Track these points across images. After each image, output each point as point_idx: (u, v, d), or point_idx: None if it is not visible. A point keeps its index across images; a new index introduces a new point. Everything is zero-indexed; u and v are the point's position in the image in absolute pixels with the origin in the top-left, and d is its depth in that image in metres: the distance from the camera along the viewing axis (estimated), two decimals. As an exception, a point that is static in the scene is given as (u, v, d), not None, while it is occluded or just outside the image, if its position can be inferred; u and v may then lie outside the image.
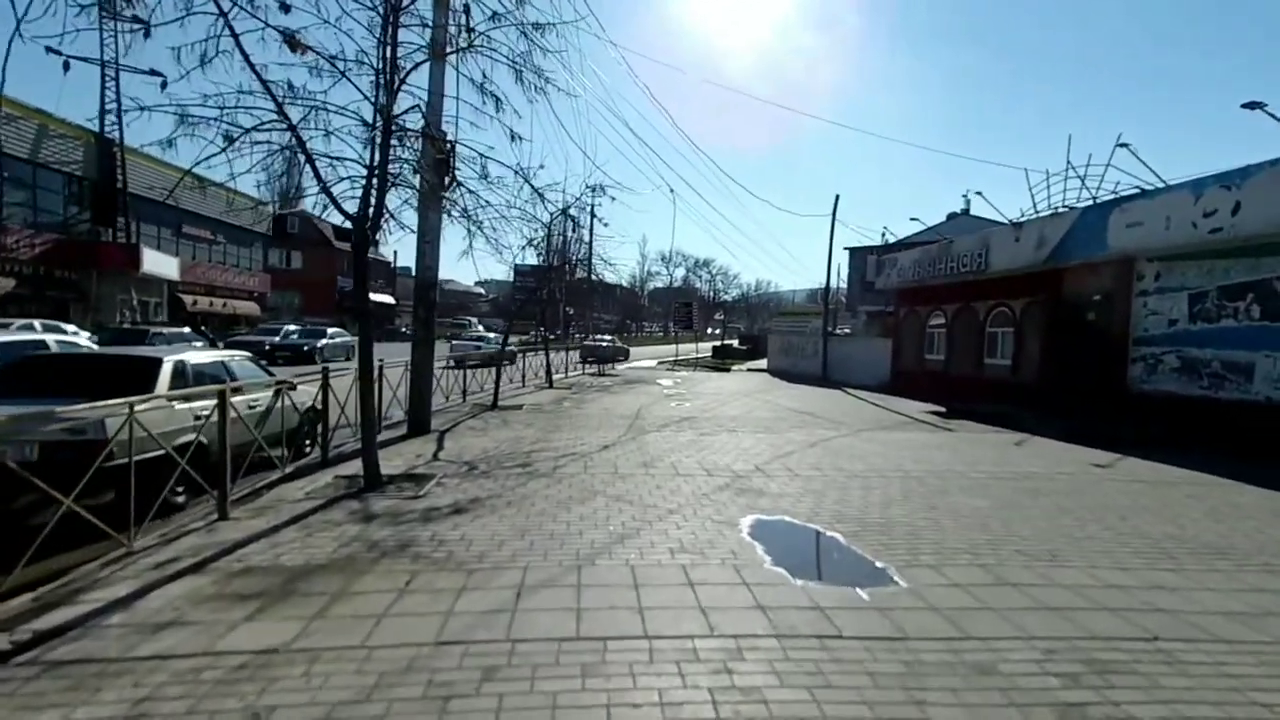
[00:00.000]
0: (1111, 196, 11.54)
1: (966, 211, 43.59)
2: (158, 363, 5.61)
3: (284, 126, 5.01)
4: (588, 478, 6.78)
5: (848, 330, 38.72)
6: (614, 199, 12.47)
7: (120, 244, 30.71)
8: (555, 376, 20.68)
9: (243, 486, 5.68)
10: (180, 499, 5.36)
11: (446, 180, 9.09)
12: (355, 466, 6.65)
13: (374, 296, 60.73)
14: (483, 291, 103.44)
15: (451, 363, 12.48)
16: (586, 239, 28.94)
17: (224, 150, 4.85)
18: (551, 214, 12.01)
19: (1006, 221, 14.17)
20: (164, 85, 5.24)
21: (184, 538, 4.51)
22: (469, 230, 7.73)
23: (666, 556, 4.44)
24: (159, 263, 32.92)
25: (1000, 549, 4.79)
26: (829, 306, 27.55)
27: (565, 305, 57.99)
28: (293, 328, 28.07)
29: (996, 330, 15.68)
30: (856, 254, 48.02)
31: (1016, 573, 4.29)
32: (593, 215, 15.03)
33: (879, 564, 4.44)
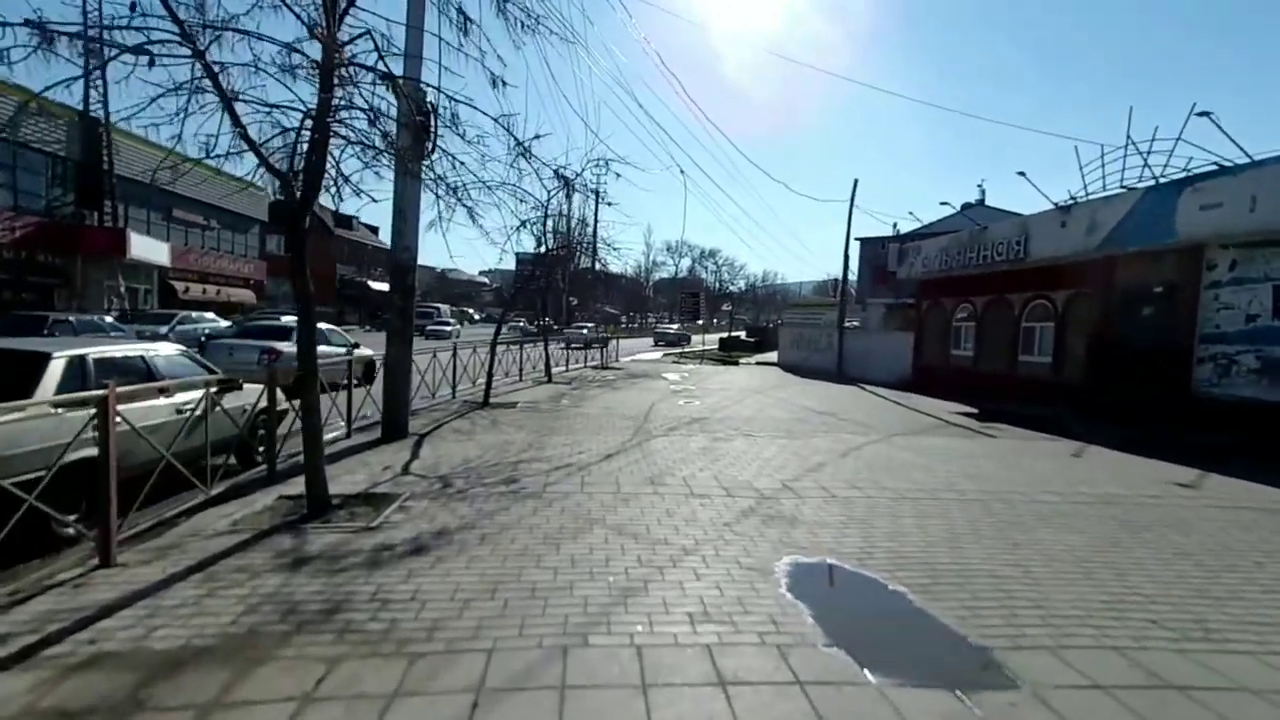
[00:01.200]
0: (1181, 174, 10.26)
1: (982, 202, 42.24)
2: (43, 359, 4.47)
3: (188, 53, 3.83)
4: (584, 499, 5.63)
5: (856, 324, 37.40)
6: (618, 175, 11.39)
7: (106, 228, 29.61)
8: (556, 370, 19.55)
9: (151, 515, 4.56)
10: (70, 529, 4.24)
11: (428, 146, 7.97)
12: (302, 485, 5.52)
13: (374, 285, 60.02)
14: (487, 281, 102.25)
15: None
16: (590, 220, 27.83)
17: (87, 76, 3.69)
18: (549, 190, 10.84)
19: (1052, 205, 12.89)
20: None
21: (41, 596, 3.39)
22: (439, 198, 6.56)
23: (685, 628, 3.29)
24: (148, 248, 31.81)
25: (1127, 617, 3.62)
26: (841, 299, 26.31)
27: (568, 295, 56.88)
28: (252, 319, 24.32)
29: (1034, 325, 14.43)
30: (867, 245, 46.64)
31: (1169, 662, 3.12)
32: (597, 196, 13.82)
33: (973, 640, 3.28)
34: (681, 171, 38.11)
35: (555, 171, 7.93)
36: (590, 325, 41.87)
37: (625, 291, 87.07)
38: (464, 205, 6.86)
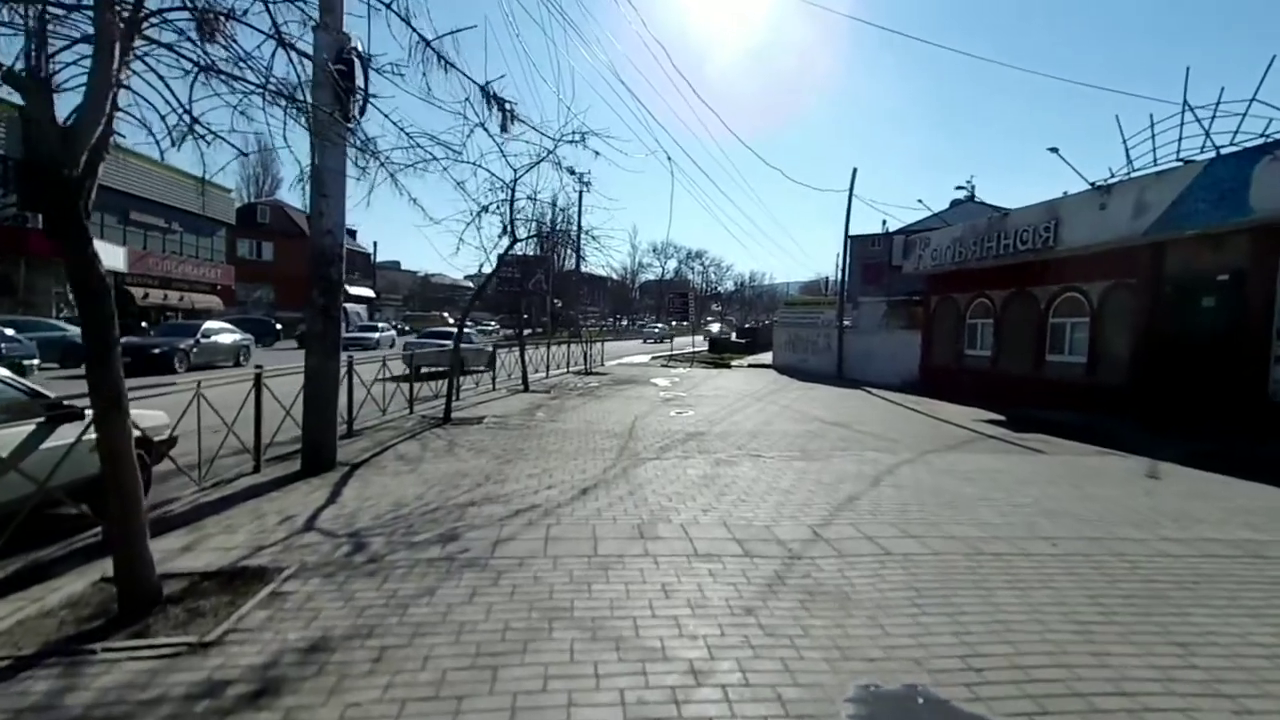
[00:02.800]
0: (1258, 140, 8.83)
1: (972, 198, 41.30)
2: None
3: None
4: (545, 568, 4.02)
5: (848, 323, 36.01)
6: (597, 154, 9.74)
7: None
8: (535, 377, 17.91)
9: None
10: None
11: (354, 106, 6.36)
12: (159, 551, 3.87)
13: (352, 290, 58.01)
14: (471, 285, 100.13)
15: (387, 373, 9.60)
16: (573, 216, 26.16)
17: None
18: (515, 170, 9.21)
19: (1089, 185, 11.45)
20: None
21: None
22: (368, 165, 4.95)
23: None
24: (100, 251, 29.70)
25: None
26: (836, 296, 24.91)
27: (552, 297, 55.22)
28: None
29: (1063, 320, 13.00)
30: (856, 242, 45.59)
31: None
32: (580, 180, 12.28)
33: None
34: (669, 158, 36.53)
35: (536, 128, 6.27)
36: (660, 326, 43.94)
37: (611, 294, 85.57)
38: (389, 173, 5.26)
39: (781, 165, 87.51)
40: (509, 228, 9.46)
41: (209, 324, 19.22)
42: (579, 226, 22.84)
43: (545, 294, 52.18)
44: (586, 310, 59.66)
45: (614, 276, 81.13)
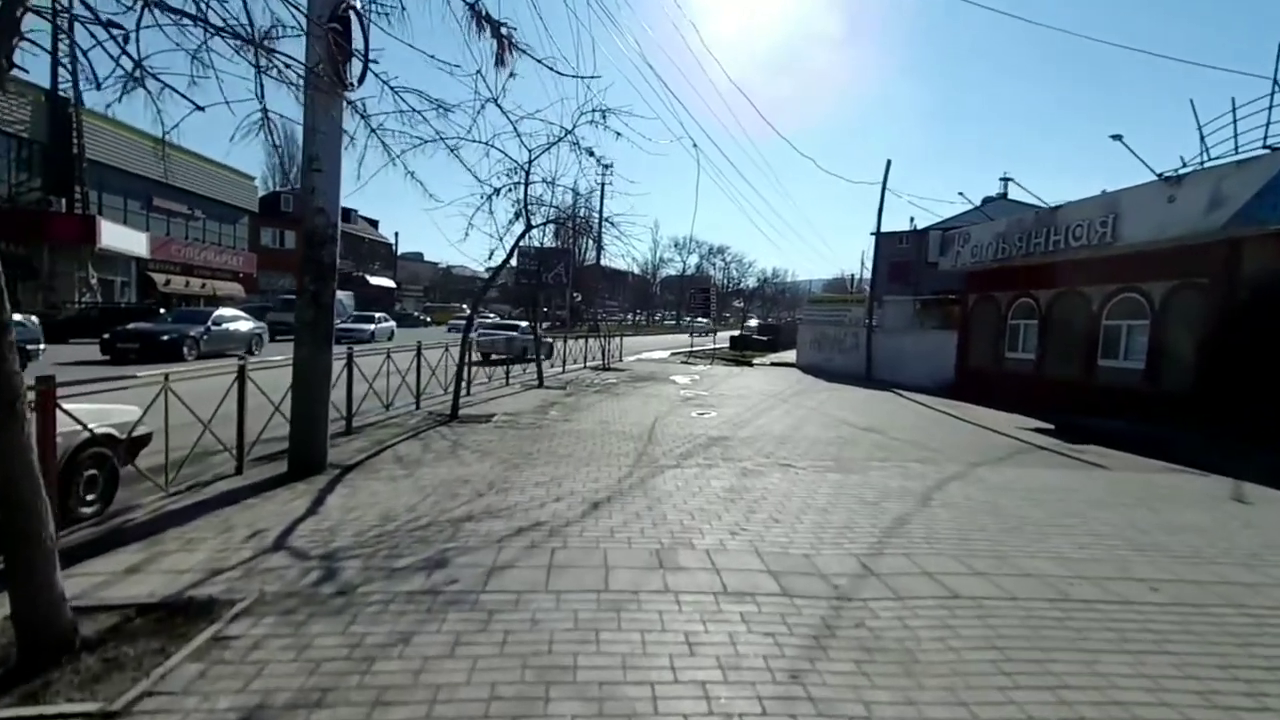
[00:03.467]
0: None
1: (1004, 195, 39.90)
2: None
3: None
4: (547, 608, 3.36)
5: (874, 322, 34.85)
6: (619, 135, 9.17)
7: (75, 215, 27.53)
8: (552, 372, 17.35)
9: None
10: None
11: (352, 72, 5.75)
12: (85, 579, 3.30)
13: (373, 280, 58.14)
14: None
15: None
16: (589, 194, 25.41)
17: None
18: (530, 151, 8.55)
19: (1155, 175, 10.47)
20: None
21: None
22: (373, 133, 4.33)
23: None
24: (123, 237, 29.72)
25: None
26: (865, 294, 23.98)
27: (572, 291, 54.76)
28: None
29: (1119, 323, 12.03)
30: (883, 240, 44.40)
31: None
32: (600, 164, 11.66)
33: None
34: (695, 145, 35.59)
35: (543, 62, 5.53)
36: (704, 320, 37.84)
37: (632, 289, 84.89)
38: (384, 144, 4.64)
39: (807, 161, 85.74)
40: (524, 212, 8.81)
41: (221, 311, 18.78)
42: (600, 214, 22.10)
43: (565, 287, 51.77)
44: (606, 304, 58.97)
45: (635, 271, 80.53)
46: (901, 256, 49.83)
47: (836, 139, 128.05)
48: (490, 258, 9.55)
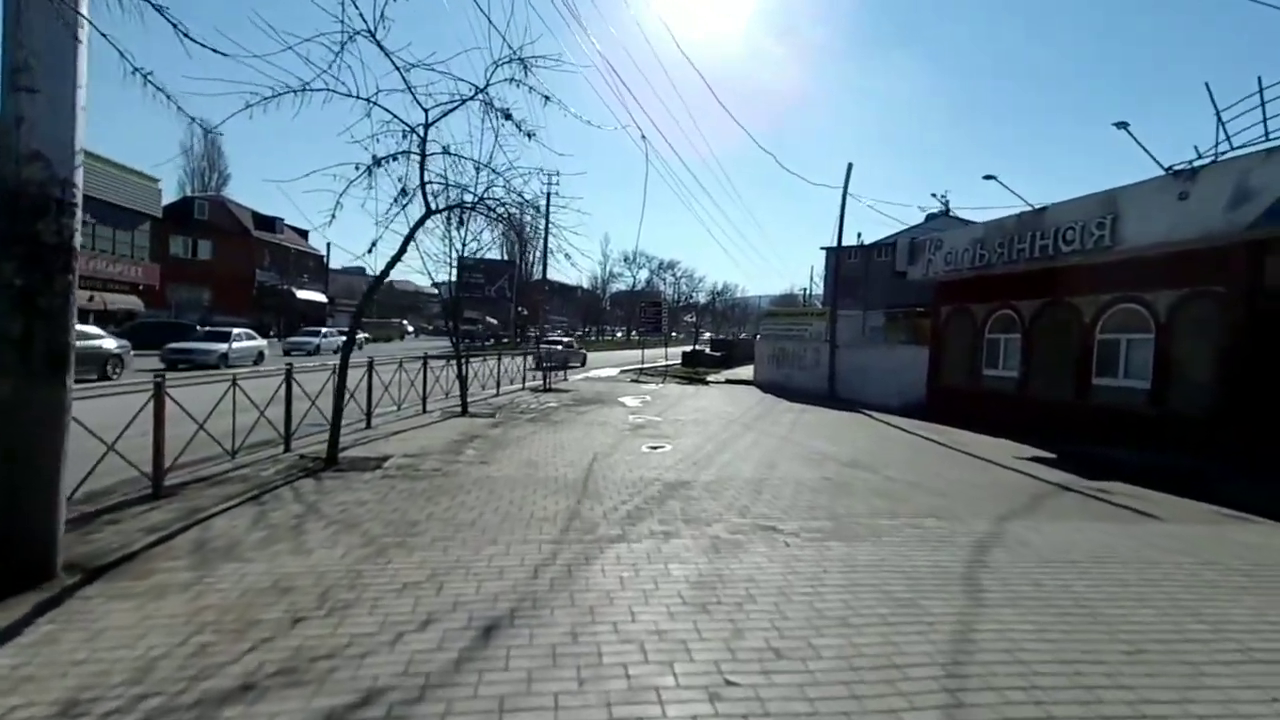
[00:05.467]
0: None
1: (946, 212, 39.91)
2: None
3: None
4: None
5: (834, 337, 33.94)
6: (547, 99, 7.38)
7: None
8: (484, 395, 15.16)
9: None
10: None
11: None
12: None
13: (301, 294, 54.08)
14: (436, 291, 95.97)
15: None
16: (535, 198, 23.27)
17: None
18: (426, 110, 6.46)
19: (1163, 169, 9.26)
20: None
21: None
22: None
23: None
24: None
25: None
26: (817, 306, 22.75)
27: (516, 305, 52.19)
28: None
29: (1116, 336, 10.79)
30: (832, 254, 44.04)
31: None
32: (548, 176, 9.76)
33: None
34: (644, 137, 33.97)
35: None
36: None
37: (581, 304, 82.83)
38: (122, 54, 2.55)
39: (761, 170, 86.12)
40: (421, 192, 6.68)
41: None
42: (546, 221, 20.08)
43: (509, 300, 49.21)
44: (551, 318, 56.56)
45: (584, 285, 78.42)
46: (850, 271, 49.72)
47: (794, 148, 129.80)
48: (371, 251, 7.33)
